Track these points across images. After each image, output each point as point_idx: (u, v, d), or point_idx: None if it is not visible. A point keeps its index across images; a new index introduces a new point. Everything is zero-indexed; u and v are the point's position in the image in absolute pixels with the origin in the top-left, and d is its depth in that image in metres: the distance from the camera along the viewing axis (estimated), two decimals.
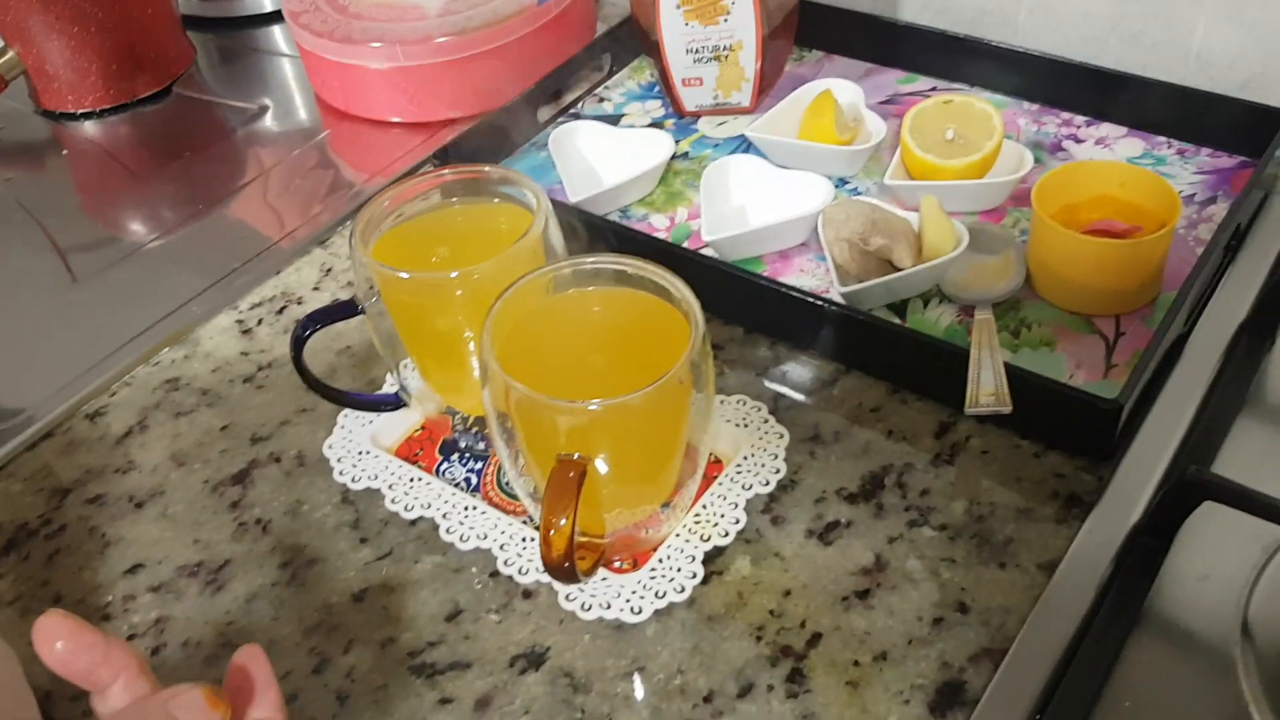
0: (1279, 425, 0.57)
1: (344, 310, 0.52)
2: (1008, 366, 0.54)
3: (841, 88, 0.75)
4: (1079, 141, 0.73)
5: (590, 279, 0.50)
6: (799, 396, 0.59)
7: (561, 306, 0.50)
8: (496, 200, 0.55)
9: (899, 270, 0.61)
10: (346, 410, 0.60)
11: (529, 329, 0.49)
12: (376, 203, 0.53)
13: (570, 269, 0.50)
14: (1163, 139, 0.73)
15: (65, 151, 0.89)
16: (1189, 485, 0.49)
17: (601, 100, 0.84)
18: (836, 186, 0.72)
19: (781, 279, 0.65)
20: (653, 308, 0.49)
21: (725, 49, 0.76)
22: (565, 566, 0.44)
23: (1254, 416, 0.57)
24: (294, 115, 0.90)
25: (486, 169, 0.54)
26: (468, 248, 0.52)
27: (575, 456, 0.44)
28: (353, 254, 0.51)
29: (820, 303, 0.60)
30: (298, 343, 0.52)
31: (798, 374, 0.61)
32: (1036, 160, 0.71)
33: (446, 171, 0.55)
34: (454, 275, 0.50)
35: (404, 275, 0.50)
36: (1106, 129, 0.74)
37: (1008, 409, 0.52)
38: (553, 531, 0.43)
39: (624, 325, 0.50)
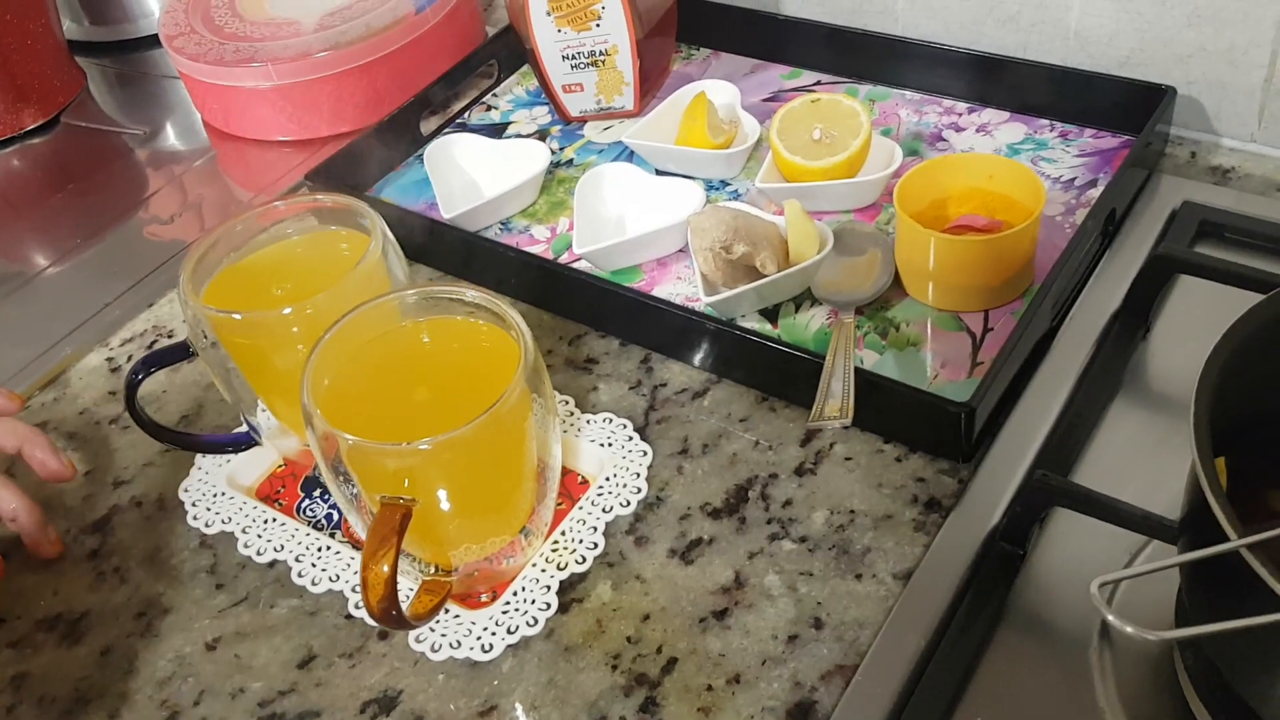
0: (1151, 414, 0.56)
1: (175, 354, 0.51)
2: (864, 372, 0.53)
3: (718, 88, 0.74)
4: (960, 130, 0.72)
5: (422, 309, 0.49)
6: (670, 409, 0.59)
7: (393, 340, 0.49)
8: (336, 227, 0.54)
9: (764, 277, 0.60)
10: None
11: (359, 365, 0.48)
12: (202, 242, 0.52)
13: (395, 301, 0.49)
14: (1045, 122, 0.72)
15: None
16: (1037, 490, 0.48)
17: (489, 109, 0.83)
18: (717, 189, 0.71)
19: (659, 286, 0.64)
20: (485, 334, 0.48)
21: (601, 54, 0.75)
22: (391, 614, 0.43)
23: (1126, 407, 0.56)
24: (183, 138, 0.89)
25: (320, 198, 0.53)
26: (308, 278, 0.51)
27: (400, 500, 0.43)
28: (181, 300, 0.50)
29: (689, 314, 0.59)
30: (130, 389, 0.51)
31: (670, 385, 0.60)
32: (914, 152, 0.70)
33: (279, 203, 0.53)
34: (287, 312, 0.49)
35: (236, 316, 0.49)
36: (989, 115, 0.73)
37: (848, 422, 0.51)
38: (371, 576, 0.42)
39: (457, 355, 0.49)
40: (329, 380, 0.46)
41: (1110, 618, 0.35)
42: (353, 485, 0.46)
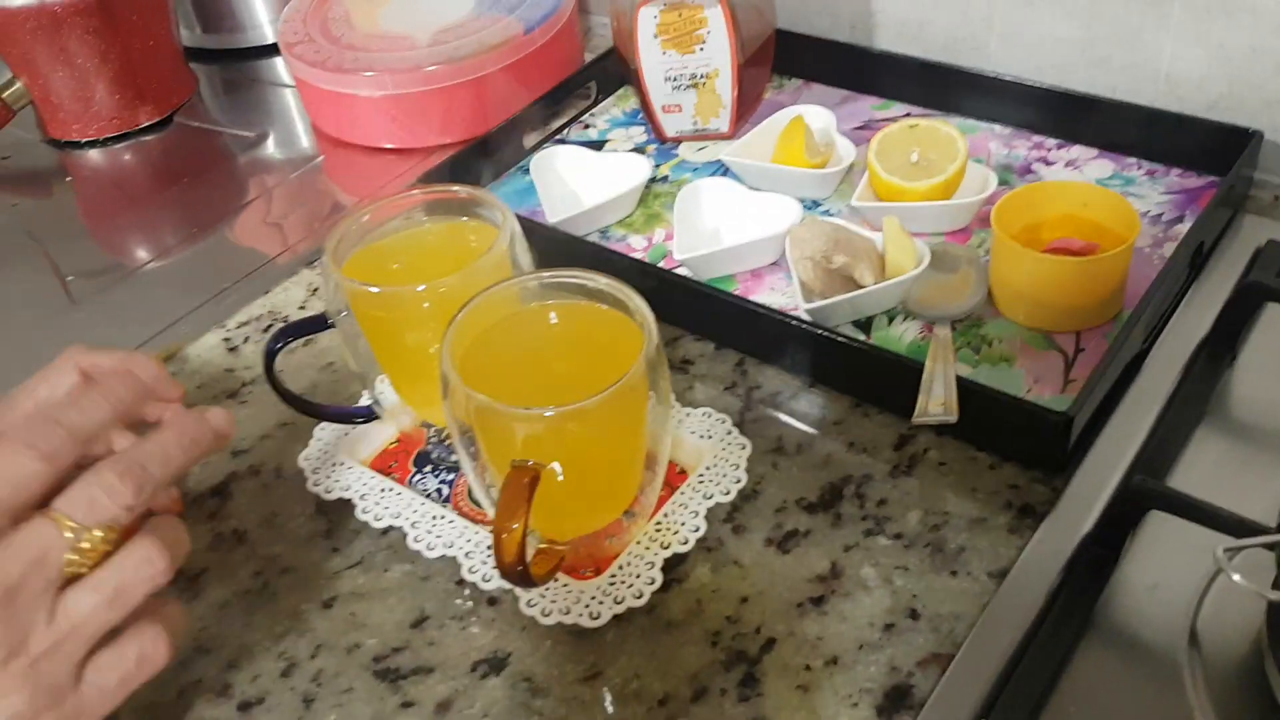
0: (1235, 441, 0.58)
1: (314, 325, 0.54)
2: (962, 380, 0.55)
3: (814, 114, 0.77)
4: (1049, 164, 0.75)
5: (550, 293, 0.52)
6: (764, 409, 0.61)
7: (522, 320, 0.52)
8: (465, 219, 0.57)
9: (862, 288, 0.62)
10: (324, 424, 0.61)
11: (490, 342, 0.50)
12: (348, 222, 0.55)
13: (532, 282, 0.51)
14: (1132, 160, 0.74)
15: (69, 178, 0.92)
16: (1135, 494, 0.50)
17: (587, 126, 0.86)
18: (810, 209, 0.73)
19: (753, 297, 0.67)
20: (611, 320, 0.50)
21: (702, 77, 0.78)
22: (519, 570, 0.45)
23: (1211, 432, 0.58)
24: (291, 143, 0.93)
25: (456, 189, 0.56)
26: (437, 264, 0.54)
27: (529, 463, 0.46)
28: (324, 271, 0.53)
29: (786, 319, 0.62)
30: (269, 355, 0.54)
31: (764, 387, 0.62)
32: (1004, 183, 0.73)
33: (416, 191, 0.57)
34: (421, 289, 0.52)
35: (373, 290, 0.52)
36: (1077, 151, 0.76)
37: (953, 418, 0.53)
38: (505, 536, 0.44)
39: (582, 337, 0.51)
40: (465, 352, 0.49)
41: (1235, 577, 0.37)
42: (478, 452, 0.49)
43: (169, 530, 0.43)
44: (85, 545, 0.40)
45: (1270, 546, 0.44)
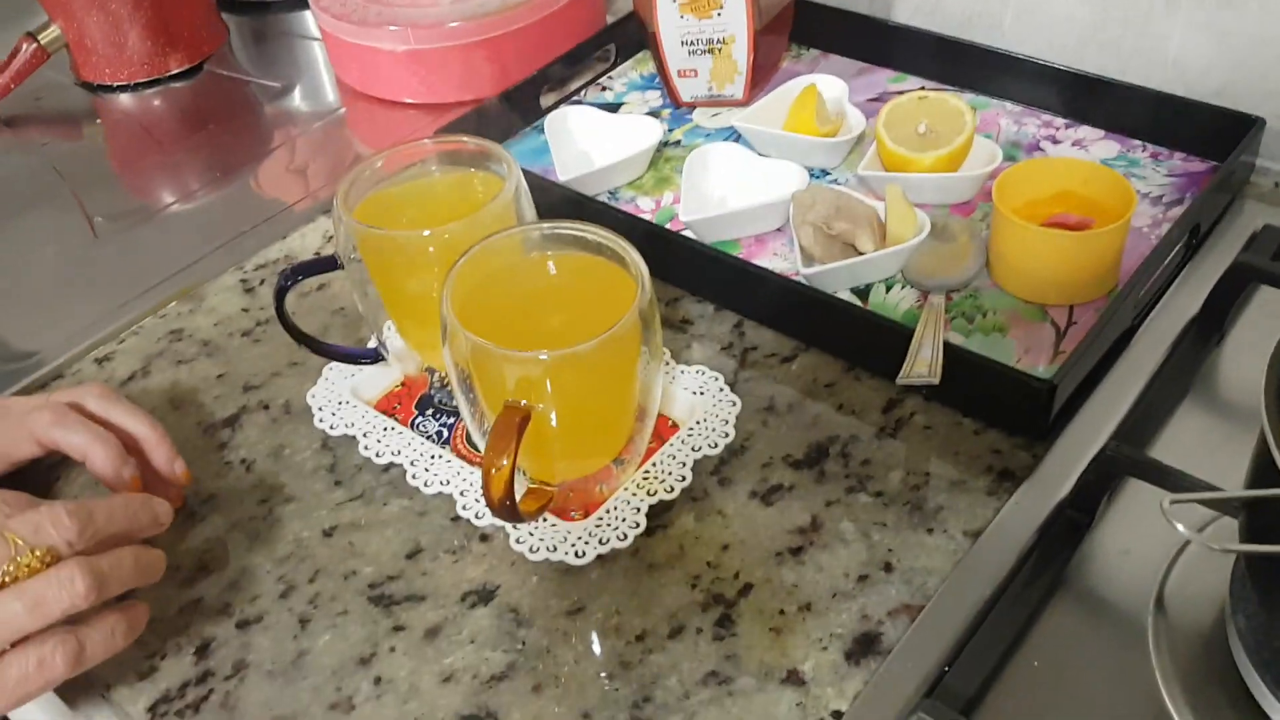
0: (1218, 418, 0.59)
1: (324, 265, 0.56)
2: (950, 346, 0.57)
3: (828, 83, 0.78)
4: (1056, 143, 0.76)
5: (550, 244, 0.53)
6: (758, 370, 0.63)
7: (521, 269, 0.53)
8: (474, 170, 0.58)
9: (861, 254, 0.64)
10: (332, 365, 0.64)
11: (490, 289, 0.52)
12: (361, 169, 0.57)
13: (534, 233, 0.53)
14: (1138, 142, 0.75)
15: (100, 121, 0.95)
16: (1110, 460, 0.52)
17: (604, 89, 0.88)
18: (818, 176, 0.75)
19: (755, 261, 0.68)
20: (608, 272, 0.52)
21: (718, 42, 0.79)
22: (506, 505, 0.47)
23: (1195, 408, 0.59)
24: (315, 94, 0.95)
25: (465, 140, 0.58)
26: (444, 211, 0.56)
27: (521, 403, 0.48)
28: (335, 213, 0.55)
29: (784, 281, 0.63)
30: (280, 293, 0.56)
31: (760, 349, 0.64)
32: (1010, 158, 0.74)
33: (427, 141, 0.58)
34: (426, 234, 0.54)
35: (380, 232, 0.54)
36: (1084, 131, 0.76)
37: (936, 380, 0.55)
38: (494, 471, 0.46)
39: (579, 287, 0.53)
40: (465, 297, 0.51)
41: (1180, 528, 0.39)
42: (476, 396, 0.51)
43: (142, 557, 0.50)
44: (22, 560, 0.46)
45: (1232, 514, 0.46)
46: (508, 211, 0.56)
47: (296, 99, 0.94)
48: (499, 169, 0.58)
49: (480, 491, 0.56)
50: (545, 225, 0.53)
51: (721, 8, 0.78)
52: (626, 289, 0.51)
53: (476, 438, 0.54)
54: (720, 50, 0.80)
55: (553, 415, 0.51)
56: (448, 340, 0.50)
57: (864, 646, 0.49)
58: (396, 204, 0.57)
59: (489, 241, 0.52)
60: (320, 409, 0.61)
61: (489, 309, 0.51)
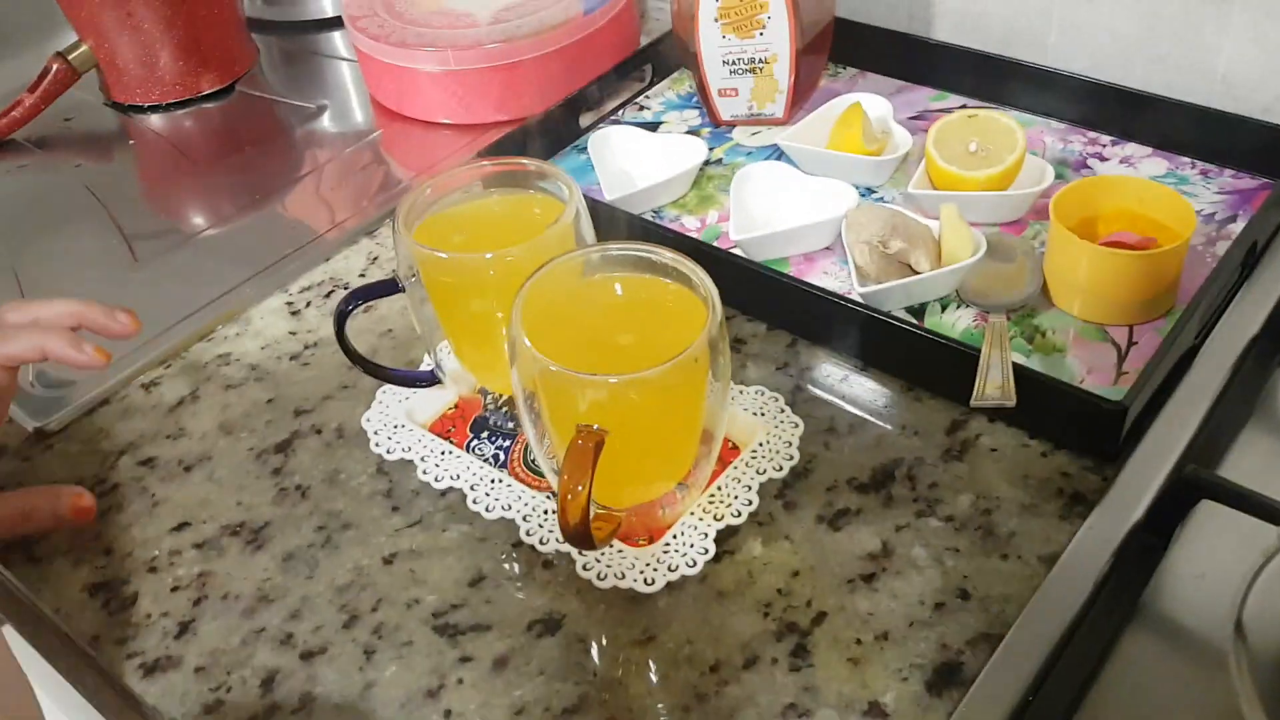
0: None
1: (385, 288, 0.56)
2: (1017, 367, 0.56)
3: (872, 102, 0.78)
4: (1104, 160, 0.75)
5: (616, 265, 0.53)
6: (816, 390, 0.62)
7: (588, 290, 0.53)
8: (532, 191, 0.58)
9: (917, 274, 0.63)
10: (385, 387, 0.63)
11: (557, 310, 0.51)
12: (420, 190, 0.56)
13: (598, 254, 0.52)
14: (1186, 159, 0.74)
15: (132, 142, 0.94)
16: (1187, 483, 0.51)
17: (642, 109, 0.87)
18: (863, 196, 0.74)
19: (805, 279, 0.68)
20: (674, 294, 0.51)
21: (760, 62, 0.79)
22: (581, 532, 0.47)
23: (1260, 427, 0.58)
24: (349, 115, 0.94)
25: (524, 161, 0.58)
26: (503, 233, 0.55)
27: (594, 427, 0.47)
28: (395, 235, 0.54)
29: (840, 301, 0.62)
30: (341, 317, 0.56)
31: (817, 369, 0.63)
32: (1059, 176, 0.73)
33: (486, 163, 0.58)
34: (489, 256, 0.53)
35: (442, 255, 0.53)
36: (1131, 148, 0.76)
37: (1012, 403, 0.54)
38: (570, 497, 0.46)
39: (647, 309, 0.52)
40: (532, 319, 0.50)
41: None
42: (540, 417, 0.50)
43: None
44: None
45: None
46: (569, 233, 0.55)
47: (331, 119, 0.94)
48: (557, 190, 0.57)
49: (543, 516, 0.55)
50: (612, 246, 0.52)
51: (764, 28, 0.77)
52: (695, 311, 0.50)
53: (540, 458, 0.53)
54: (762, 69, 0.79)
55: (621, 439, 0.50)
56: (516, 361, 0.49)
57: (945, 677, 0.48)
58: (455, 225, 0.57)
59: (557, 262, 0.51)
60: (376, 433, 0.60)
61: (557, 330, 0.51)
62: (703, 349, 0.49)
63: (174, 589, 0.55)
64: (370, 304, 0.69)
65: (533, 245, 0.53)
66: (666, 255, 0.51)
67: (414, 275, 0.55)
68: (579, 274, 0.53)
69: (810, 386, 0.62)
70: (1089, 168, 0.75)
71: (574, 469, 0.46)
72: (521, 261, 0.52)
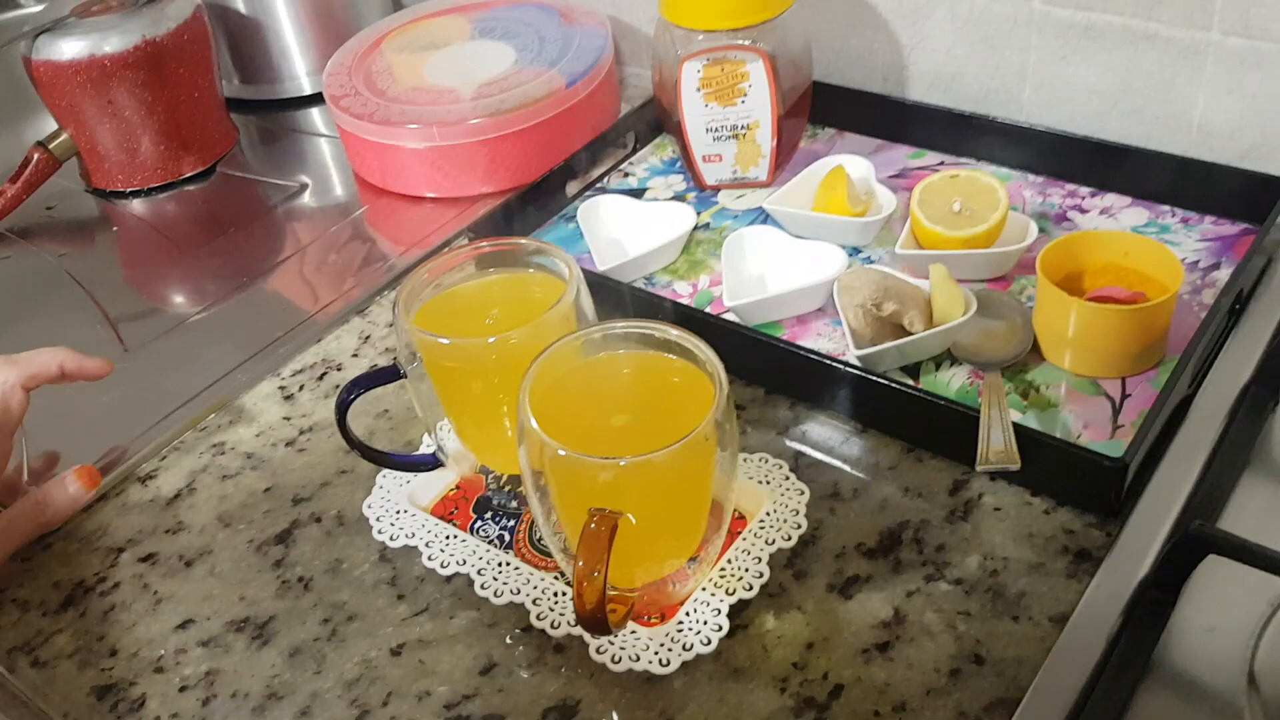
0: None
1: (386, 375, 0.55)
2: (1017, 426, 0.57)
3: (853, 163, 0.79)
4: (1084, 212, 0.77)
5: (620, 343, 0.53)
6: (818, 455, 0.62)
7: (593, 369, 0.53)
8: (531, 270, 0.58)
9: (911, 334, 0.64)
10: (385, 471, 0.62)
11: (562, 390, 0.52)
12: (418, 273, 0.56)
13: (601, 334, 0.53)
14: (1166, 208, 0.76)
15: (115, 228, 0.94)
16: (1194, 539, 0.51)
17: (626, 175, 0.88)
18: (851, 256, 0.75)
19: (799, 342, 0.68)
20: (679, 370, 0.52)
21: (743, 128, 0.80)
22: (598, 618, 0.46)
23: (1258, 475, 0.59)
24: (332, 192, 0.95)
25: (522, 241, 0.58)
26: (504, 314, 0.56)
27: (606, 511, 0.47)
28: (395, 321, 0.54)
29: (838, 365, 0.63)
30: (342, 407, 0.55)
31: (816, 433, 0.63)
32: (1042, 230, 0.74)
33: (485, 244, 0.58)
34: (491, 341, 0.53)
35: (444, 341, 0.54)
36: (1111, 199, 0.77)
37: (1016, 465, 0.54)
38: (586, 584, 0.45)
39: (652, 387, 0.52)
40: (539, 400, 0.50)
41: None
42: (548, 498, 0.50)
43: None
44: None
45: None
46: (570, 312, 0.55)
47: (314, 197, 0.94)
48: (554, 266, 0.57)
49: (553, 599, 0.55)
50: (617, 325, 0.52)
51: (745, 96, 0.78)
52: (701, 386, 0.50)
53: (548, 538, 0.53)
54: (745, 135, 0.81)
55: (632, 519, 0.50)
56: (524, 442, 0.49)
57: None
58: (455, 308, 0.57)
59: (561, 343, 0.51)
60: (378, 519, 0.60)
61: (563, 412, 0.51)
62: (711, 426, 0.49)
63: (182, 689, 0.54)
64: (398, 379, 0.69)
65: (535, 327, 0.53)
66: (672, 332, 0.52)
67: (415, 360, 0.55)
68: (582, 353, 0.53)
69: (812, 451, 0.62)
70: (1069, 220, 0.76)
71: (589, 553, 0.46)
72: (523, 344, 0.52)
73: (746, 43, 0.77)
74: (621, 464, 0.47)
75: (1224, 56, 0.72)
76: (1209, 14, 0.71)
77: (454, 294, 0.57)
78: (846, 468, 0.61)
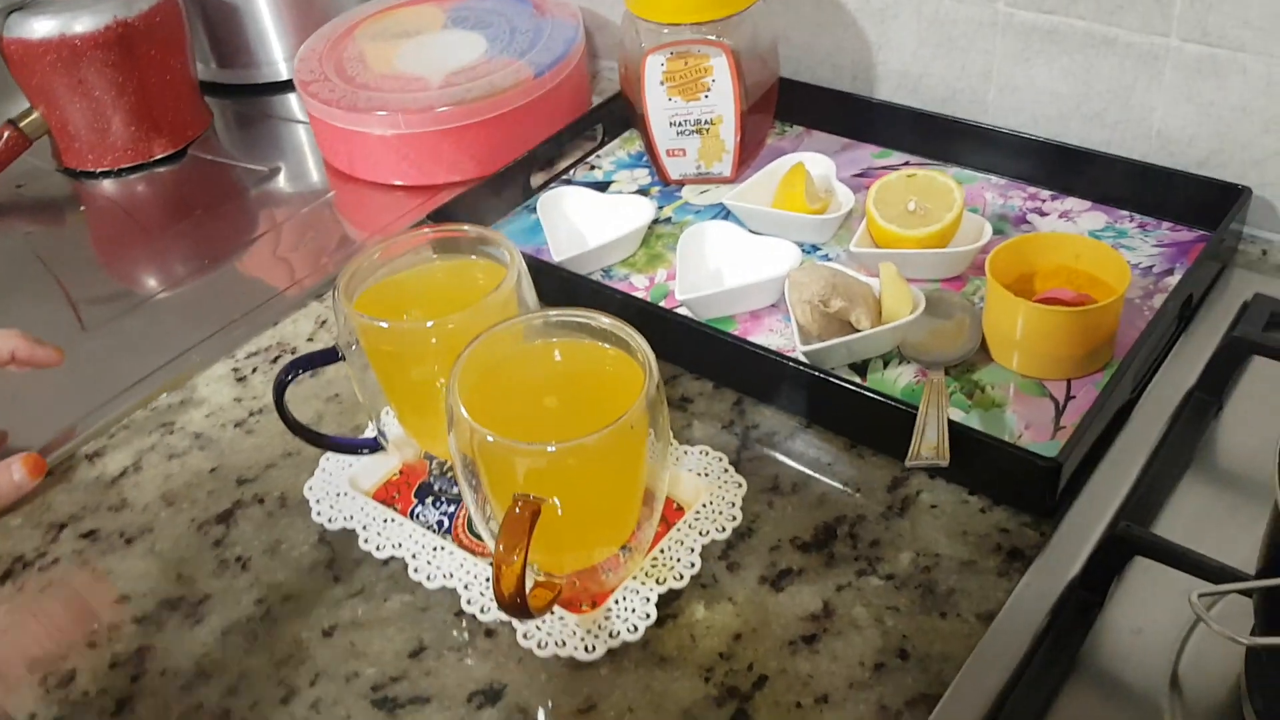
0: (1220, 489, 0.59)
1: (325, 357, 0.56)
2: (955, 425, 0.57)
3: (815, 160, 0.79)
4: (1043, 215, 0.77)
5: (555, 331, 0.53)
6: (761, 449, 0.62)
7: (526, 357, 0.53)
8: (474, 257, 0.58)
9: (858, 331, 0.64)
10: (328, 455, 0.63)
11: (495, 378, 0.52)
12: (361, 258, 0.56)
13: (538, 320, 0.53)
14: (1125, 212, 0.76)
15: (83, 208, 0.94)
16: (1120, 541, 0.51)
17: (593, 168, 0.88)
18: (809, 253, 0.75)
19: (751, 338, 0.68)
20: (613, 359, 0.52)
21: (706, 123, 0.80)
22: (517, 602, 0.46)
23: (1197, 479, 0.59)
24: (302, 178, 0.95)
25: (465, 228, 0.58)
26: (445, 301, 0.56)
27: (530, 497, 0.47)
28: (335, 306, 0.54)
29: (784, 360, 0.63)
30: (280, 387, 0.55)
31: (761, 427, 0.64)
32: (999, 232, 0.74)
33: (427, 230, 0.58)
34: (429, 325, 0.53)
35: (383, 325, 0.54)
36: (1071, 203, 0.77)
37: (945, 462, 0.54)
38: (505, 568, 0.46)
39: (584, 375, 0.53)
40: (470, 387, 0.50)
41: (1212, 623, 0.38)
42: (480, 484, 0.50)
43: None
44: None
45: (1246, 593, 0.45)
46: (510, 299, 0.55)
47: (283, 182, 0.94)
48: (499, 255, 0.57)
49: (485, 584, 0.55)
50: (551, 313, 0.53)
51: (709, 90, 0.78)
52: (632, 374, 0.51)
53: (480, 527, 0.53)
54: (708, 130, 0.81)
55: (561, 506, 0.50)
56: (453, 429, 0.50)
57: None
58: (397, 293, 0.57)
59: (494, 330, 0.52)
60: (318, 501, 0.60)
61: (495, 398, 0.51)
62: (640, 413, 0.49)
63: (112, 665, 0.54)
64: (316, 370, 0.69)
65: (473, 312, 0.53)
66: (604, 320, 0.52)
67: (354, 344, 0.55)
68: (518, 341, 0.53)
69: (755, 445, 0.63)
70: (1028, 223, 0.76)
71: (509, 538, 0.46)
72: (462, 329, 0.52)
73: (711, 37, 0.77)
74: (550, 449, 0.47)
75: (1182, 63, 0.72)
76: (1168, 19, 0.71)
77: (396, 280, 0.58)
78: (789, 462, 0.61)
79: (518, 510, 0.46)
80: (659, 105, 0.80)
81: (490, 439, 0.48)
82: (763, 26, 0.81)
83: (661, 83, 0.79)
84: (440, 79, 0.88)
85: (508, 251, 0.56)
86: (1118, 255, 0.64)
